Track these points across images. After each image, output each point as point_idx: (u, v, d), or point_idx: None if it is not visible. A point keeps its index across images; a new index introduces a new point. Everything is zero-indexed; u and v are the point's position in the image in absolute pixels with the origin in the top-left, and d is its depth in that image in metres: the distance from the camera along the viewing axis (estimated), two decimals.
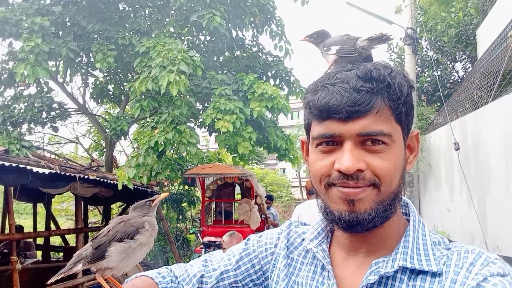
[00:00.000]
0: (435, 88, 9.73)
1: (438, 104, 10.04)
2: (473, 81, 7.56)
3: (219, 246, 5.65)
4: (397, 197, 0.72)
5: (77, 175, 5.41)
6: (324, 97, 0.69)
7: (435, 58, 9.90)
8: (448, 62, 10.22)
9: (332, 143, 0.70)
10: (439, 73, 9.83)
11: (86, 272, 6.36)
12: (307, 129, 0.77)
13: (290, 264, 0.86)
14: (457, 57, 10.19)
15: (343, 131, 0.68)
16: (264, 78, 8.50)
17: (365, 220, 0.69)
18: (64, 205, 11.07)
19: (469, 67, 10.12)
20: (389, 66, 0.72)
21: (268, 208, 8.17)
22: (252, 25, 8.76)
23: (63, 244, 8.37)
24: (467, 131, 6.14)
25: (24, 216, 12.67)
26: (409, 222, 0.77)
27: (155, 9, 8.56)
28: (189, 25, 8.23)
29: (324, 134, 0.70)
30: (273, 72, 8.66)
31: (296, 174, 27.23)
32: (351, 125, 0.67)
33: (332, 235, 0.83)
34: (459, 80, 10.17)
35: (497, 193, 5.05)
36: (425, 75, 10.43)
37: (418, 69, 10.43)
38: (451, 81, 10.21)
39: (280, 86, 8.53)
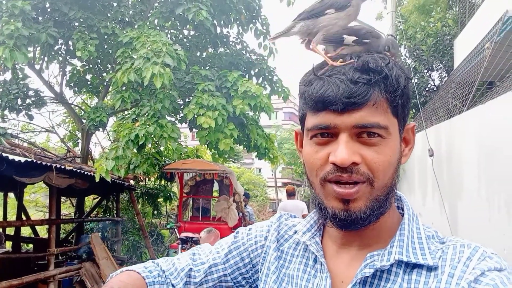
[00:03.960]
0: (411, 95, 9.98)
1: (414, 111, 10.32)
2: (449, 90, 7.81)
3: (196, 242, 5.63)
4: (391, 191, 0.72)
5: (53, 165, 5.27)
6: (320, 88, 0.68)
7: (413, 66, 10.15)
8: (425, 71, 10.51)
9: (327, 135, 0.69)
10: (416, 80, 10.10)
11: (58, 264, 6.22)
12: (302, 120, 0.76)
13: (280, 257, 0.85)
14: (434, 66, 10.49)
15: (339, 123, 0.67)
16: (247, 76, 8.51)
17: (360, 218, 0.69)
18: (34, 196, 10.74)
19: (444, 76, 10.45)
20: (387, 58, 0.71)
21: (245, 206, 8.19)
22: (238, 22, 8.74)
23: (33, 236, 8.15)
24: (442, 138, 6.34)
25: None
26: (403, 216, 0.77)
27: (139, 0, 8.42)
28: (173, 18, 8.14)
29: (319, 125, 0.69)
30: (257, 70, 8.68)
31: (272, 174, 27.40)
32: (347, 117, 0.66)
33: (324, 228, 0.82)
34: (435, 89, 10.48)
35: (469, 199, 5.24)
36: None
37: None
38: (427, 89, 10.51)
39: (263, 85, 8.56)
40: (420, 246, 0.71)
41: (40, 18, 7.34)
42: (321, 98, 0.67)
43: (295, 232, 0.85)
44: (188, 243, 5.64)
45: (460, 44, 8.81)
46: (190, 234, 5.80)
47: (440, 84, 10.37)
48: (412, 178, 7.61)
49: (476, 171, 5.06)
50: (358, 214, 0.68)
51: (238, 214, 7.49)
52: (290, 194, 7.37)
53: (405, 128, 0.75)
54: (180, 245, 5.73)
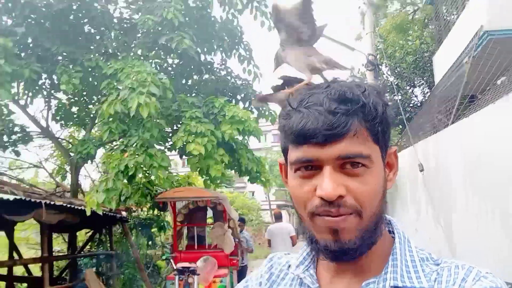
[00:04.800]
0: (396, 112, 10.16)
1: (401, 127, 10.48)
2: (432, 105, 7.99)
3: (193, 272, 5.52)
4: (380, 219, 0.72)
5: (43, 201, 5.17)
6: (299, 121, 0.67)
7: (396, 83, 10.39)
8: (408, 87, 10.76)
9: (311, 167, 0.68)
10: (400, 97, 10.31)
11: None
12: (284, 152, 0.75)
13: None
14: (415, 82, 10.75)
15: (321, 156, 0.67)
16: (234, 101, 8.57)
17: (351, 249, 0.69)
18: (25, 234, 10.46)
19: (427, 92, 10.70)
20: (363, 85, 0.71)
21: (241, 231, 8.10)
22: (221, 49, 8.87)
23: (26, 275, 7.89)
24: (430, 153, 6.43)
25: None
26: (394, 239, 0.77)
27: (122, 32, 8.49)
28: (157, 48, 8.22)
29: (302, 159, 0.68)
30: (243, 95, 8.76)
31: (266, 197, 27.24)
32: (329, 149, 0.66)
33: (317, 259, 0.82)
34: (419, 104, 10.70)
35: (460, 212, 5.29)
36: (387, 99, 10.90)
37: None
38: (411, 105, 10.73)
39: (250, 109, 8.63)
40: (415, 270, 0.72)
41: (22, 54, 7.34)
42: (302, 132, 0.67)
43: (289, 267, 0.85)
44: (185, 273, 5.53)
45: (439, 60, 9.06)
46: (187, 264, 5.67)
47: (423, 100, 10.60)
48: (405, 194, 7.66)
49: (463, 183, 5.13)
50: (349, 244, 0.68)
51: (234, 240, 7.40)
52: (277, 218, 7.67)
53: (388, 153, 0.75)
54: (177, 276, 5.60)
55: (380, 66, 9.78)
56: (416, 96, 11.10)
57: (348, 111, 0.66)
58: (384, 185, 0.73)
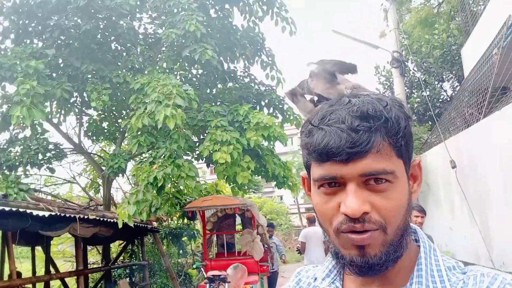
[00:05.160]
0: (425, 108, 9.90)
1: (430, 123, 10.20)
2: (463, 99, 7.73)
3: (224, 280, 5.55)
4: (405, 232, 0.72)
5: (77, 216, 5.35)
6: (322, 139, 0.67)
7: (423, 79, 10.12)
8: (436, 82, 10.46)
9: (335, 184, 0.68)
10: (428, 93, 10.03)
11: None
12: (307, 167, 0.75)
13: None
14: (444, 77, 10.44)
15: (345, 173, 0.66)
16: (258, 108, 8.61)
17: (377, 264, 0.68)
18: (61, 247, 10.84)
19: (456, 85, 10.36)
20: (384, 99, 0.70)
21: (270, 236, 8.08)
22: (243, 56, 8.94)
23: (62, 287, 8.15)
24: (462, 149, 6.22)
25: (20, 260, 12.35)
26: (420, 248, 0.76)
27: (147, 47, 8.72)
28: (181, 60, 8.38)
29: (325, 176, 0.68)
30: (266, 101, 8.79)
31: (294, 201, 27.09)
32: (352, 167, 0.66)
33: (344, 270, 0.81)
34: (448, 99, 10.38)
35: (498, 208, 5.07)
36: (415, 95, 10.64)
37: (407, 90, 10.64)
38: (440, 100, 10.41)
39: (274, 114, 8.64)
40: (441, 279, 0.71)
41: (54, 75, 7.66)
42: (324, 150, 0.66)
43: (315, 279, 0.84)
44: (216, 281, 5.56)
45: (467, 52, 8.78)
46: (217, 272, 5.71)
47: (453, 94, 10.27)
48: (438, 192, 7.43)
49: (501, 179, 4.92)
50: (374, 259, 0.68)
51: (263, 246, 7.39)
52: (311, 221, 7.60)
53: (411, 165, 0.74)
54: (208, 285, 5.64)
55: (406, 63, 9.56)
56: (445, 91, 10.77)
57: (371, 128, 0.66)
58: (408, 198, 0.72)
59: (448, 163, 6.25)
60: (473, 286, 0.68)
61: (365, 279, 0.76)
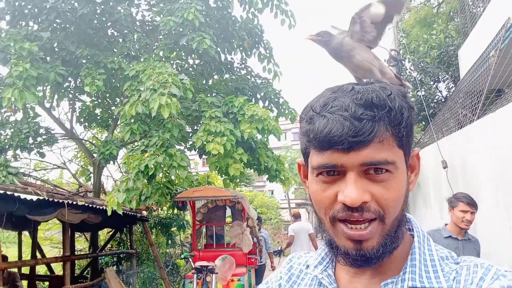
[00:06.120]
0: (419, 108, 9.93)
1: (424, 123, 10.23)
2: (457, 101, 7.75)
3: (211, 271, 5.54)
4: (401, 222, 0.71)
5: (65, 201, 5.29)
6: (323, 126, 0.65)
7: (419, 78, 10.13)
8: (432, 82, 10.48)
9: (334, 172, 0.67)
10: (423, 93, 10.05)
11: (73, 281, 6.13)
12: (305, 154, 0.74)
13: None
14: (440, 77, 10.46)
15: (345, 162, 0.65)
16: (253, 100, 8.58)
17: (373, 257, 0.68)
18: (49, 233, 10.77)
19: (452, 87, 10.39)
20: (388, 87, 0.69)
21: (259, 230, 8.11)
22: (241, 48, 8.89)
23: (48, 273, 8.11)
24: (454, 149, 6.24)
25: (7, 244, 12.27)
26: (413, 237, 0.76)
27: (144, 34, 8.62)
28: (178, 49, 8.30)
29: (325, 164, 0.67)
30: (262, 94, 8.75)
31: (285, 196, 27.18)
32: (354, 156, 0.64)
33: (336, 258, 0.81)
34: (443, 100, 10.41)
35: (487, 209, 5.10)
36: (410, 95, 10.66)
37: None
38: (435, 100, 10.45)
39: (269, 108, 8.61)
40: (434, 269, 0.70)
41: (48, 58, 7.54)
42: (326, 138, 0.65)
43: (308, 267, 0.84)
44: (203, 272, 5.55)
45: (464, 54, 8.79)
46: (204, 263, 5.70)
47: (448, 95, 10.31)
48: (428, 191, 7.47)
49: (492, 181, 4.95)
50: (371, 252, 0.67)
51: (253, 239, 7.40)
52: (296, 217, 8.16)
53: (410, 155, 0.73)
54: (195, 275, 5.64)
55: (403, 62, 9.56)
56: (440, 92, 10.80)
57: (374, 117, 0.64)
58: (406, 188, 0.71)
59: (439, 163, 6.27)
60: (467, 276, 0.67)
61: (358, 268, 0.75)
